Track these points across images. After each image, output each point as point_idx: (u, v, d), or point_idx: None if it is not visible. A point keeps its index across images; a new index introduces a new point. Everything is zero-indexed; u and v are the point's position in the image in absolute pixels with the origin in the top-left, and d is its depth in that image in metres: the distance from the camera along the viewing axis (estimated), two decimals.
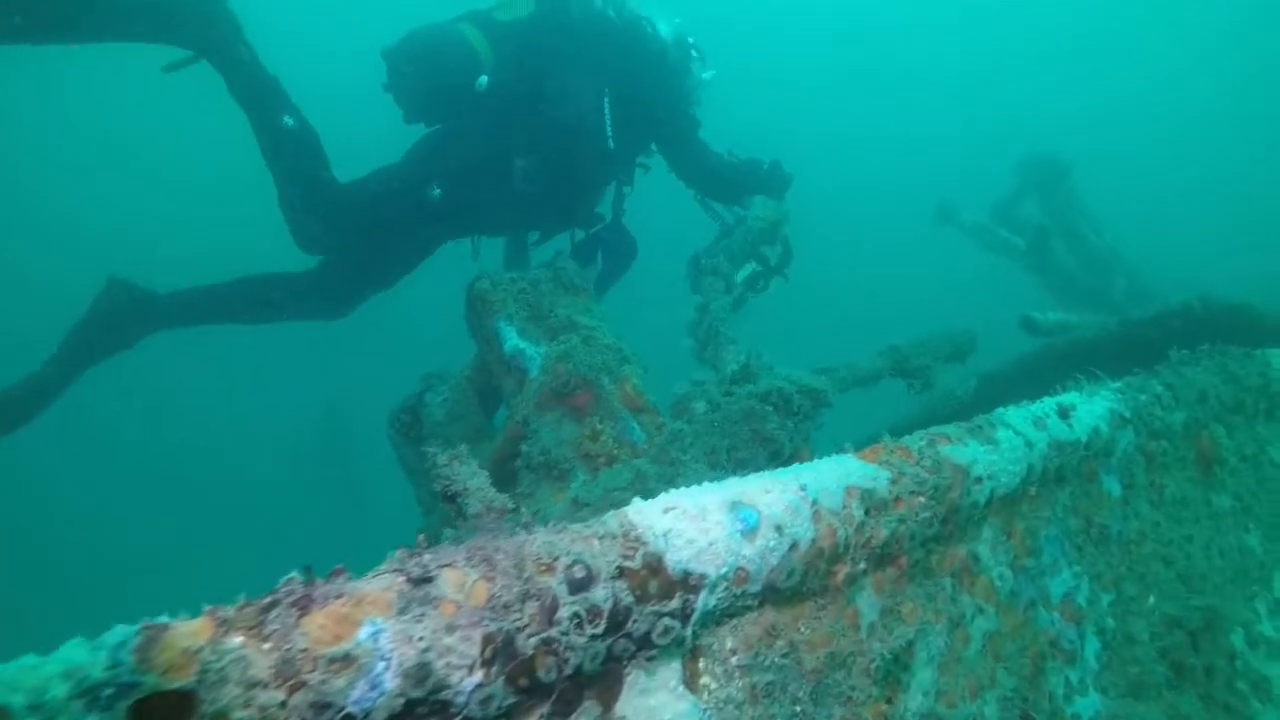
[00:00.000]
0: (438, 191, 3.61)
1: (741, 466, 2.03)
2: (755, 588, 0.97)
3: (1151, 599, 1.64)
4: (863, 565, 1.10)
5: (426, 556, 0.81)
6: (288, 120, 3.50)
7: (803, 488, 1.05)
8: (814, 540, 1.02)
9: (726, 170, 3.93)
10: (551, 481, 2.14)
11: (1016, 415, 1.44)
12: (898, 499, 1.14)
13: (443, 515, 2.57)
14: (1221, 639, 1.72)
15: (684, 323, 2.81)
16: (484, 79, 3.61)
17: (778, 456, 2.11)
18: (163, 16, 3.29)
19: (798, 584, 1.01)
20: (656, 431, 2.26)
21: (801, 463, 2.24)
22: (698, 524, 0.93)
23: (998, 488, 1.32)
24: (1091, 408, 1.59)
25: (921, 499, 1.17)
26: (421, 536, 0.89)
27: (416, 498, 2.92)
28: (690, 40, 4.16)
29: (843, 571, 1.07)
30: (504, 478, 2.29)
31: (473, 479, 1.29)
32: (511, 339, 2.50)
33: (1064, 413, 1.52)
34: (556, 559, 0.84)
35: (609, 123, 3.73)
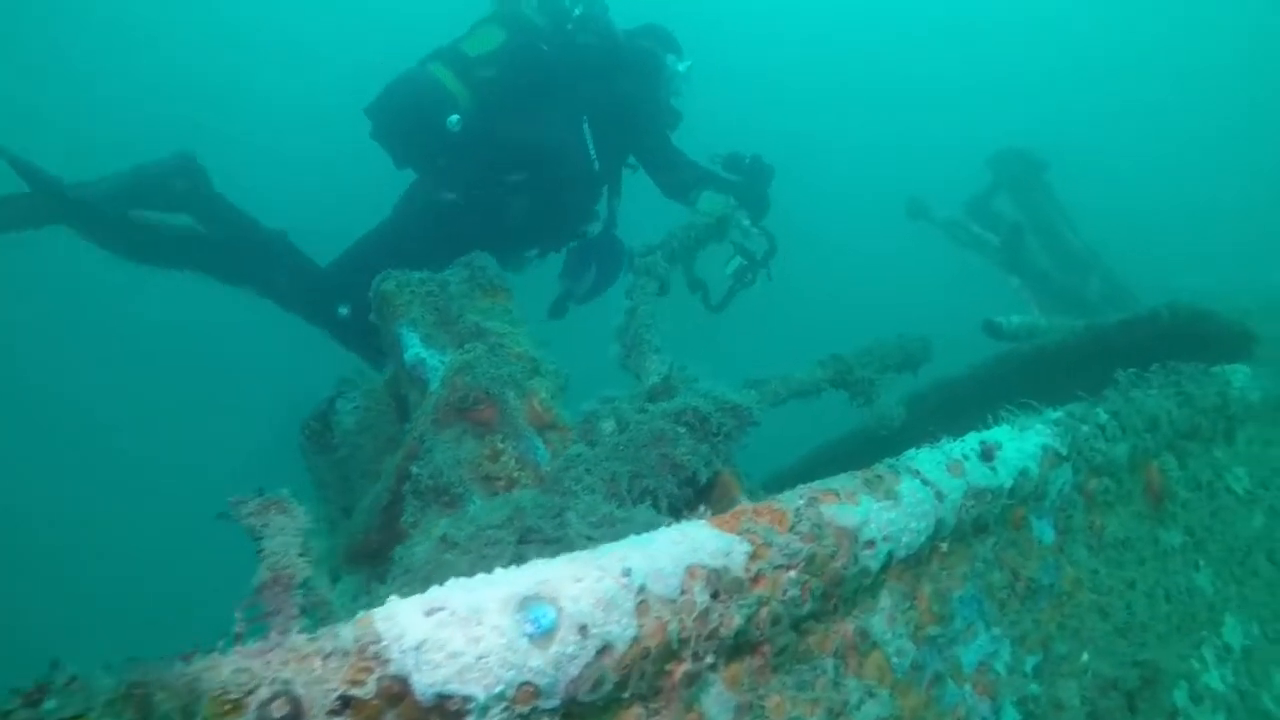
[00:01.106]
0: (432, 239, 3.70)
1: (647, 497, 1.84)
2: (550, 704, 0.77)
3: (1085, 657, 1.46)
4: (709, 659, 0.90)
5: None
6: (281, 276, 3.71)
7: (627, 572, 0.85)
8: (636, 639, 0.82)
9: (704, 175, 3.90)
10: (441, 508, 1.93)
11: (928, 459, 1.25)
12: (758, 577, 0.94)
13: (349, 535, 2.37)
14: (1162, 697, 1.55)
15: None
16: (454, 118, 3.63)
17: (692, 484, 1.91)
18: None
19: (613, 693, 0.82)
20: (562, 452, 2.06)
21: (729, 491, 2.06)
22: (468, 630, 0.73)
23: (897, 549, 1.12)
24: (1022, 445, 1.40)
25: (791, 573, 0.97)
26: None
27: (322, 514, 2.71)
28: (662, 33, 4.19)
29: (680, 670, 0.88)
30: (401, 500, 2.09)
31: (276, 536, 1.09)
32: (413, 346, 2.28)
33: (988, 453, 1.32)
34: (252, 692, 0.63)
35: (591, 145, 3.81)
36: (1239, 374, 2.23)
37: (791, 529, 1.00)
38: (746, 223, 3.97)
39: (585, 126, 3.82)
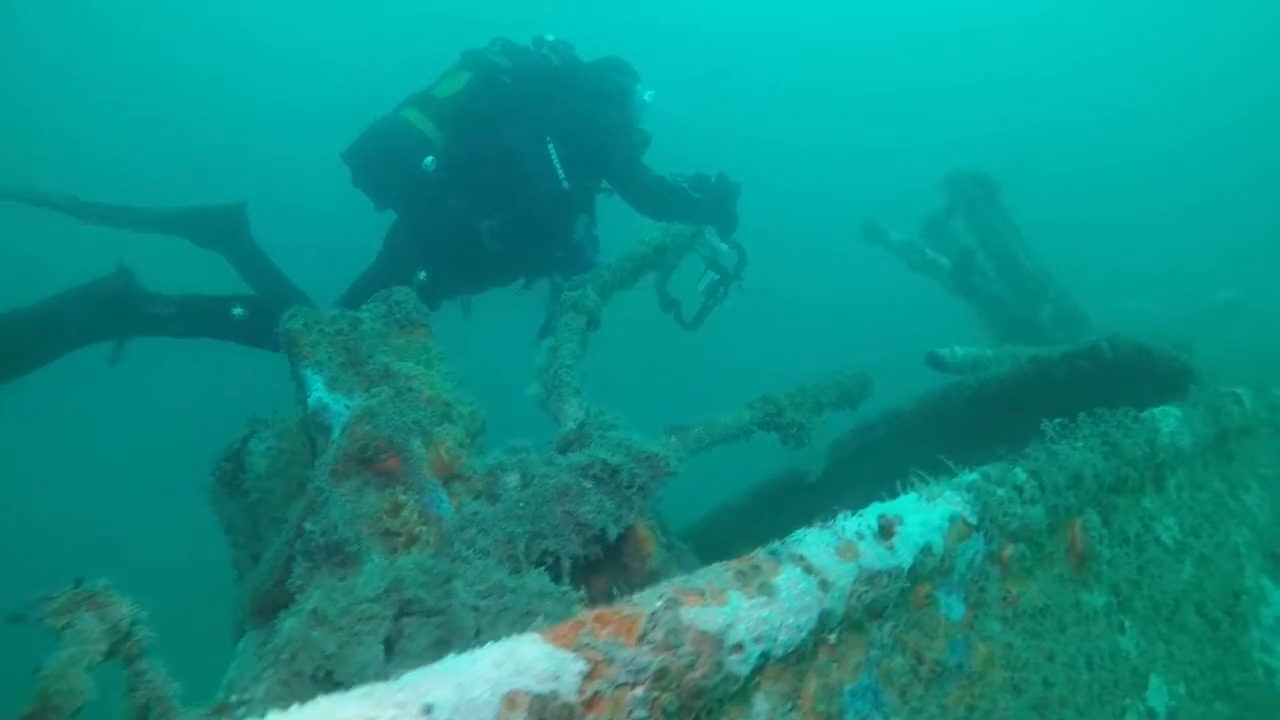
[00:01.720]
0: (424, 275, 3.85)
1: (549, 558, 1.73)
2: None
3: None
4: None
5: None
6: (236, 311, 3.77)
7: (428, 709, 0.74)
8: None
9: (676, 195, 4.06)
10: (333, 568, 1.81)
11: (817, 542, 1.16)
12: (594, 700, 0.84)
13: (253, 588, 2.22)
14: None
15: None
16: (429, 160, 3.84)
17: (601, 541, 1.81)
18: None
19: None
20: (474, 503, 1.95)
21: (643, 547, 1.96)
22: None
23: (773, 649, 1.03)
24: (927, 517, 1.32)
25: (637, 691, 0.87)
26: None
27: (232, 559, 2.56)
28: (625, 62, 4.43)
29: None
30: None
31: (68, 647, 0.96)
32: (316, 390, 2.16)
33: (886, 530, 1.24)
34: None
35: (558, 164, 3.97)
36: (1169, 418, 2.18)
37: (642, 639, 0.90)
38: (715, 240, 4.17)
39: (551, 147, 3.98)
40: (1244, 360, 3.78)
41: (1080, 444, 1.80)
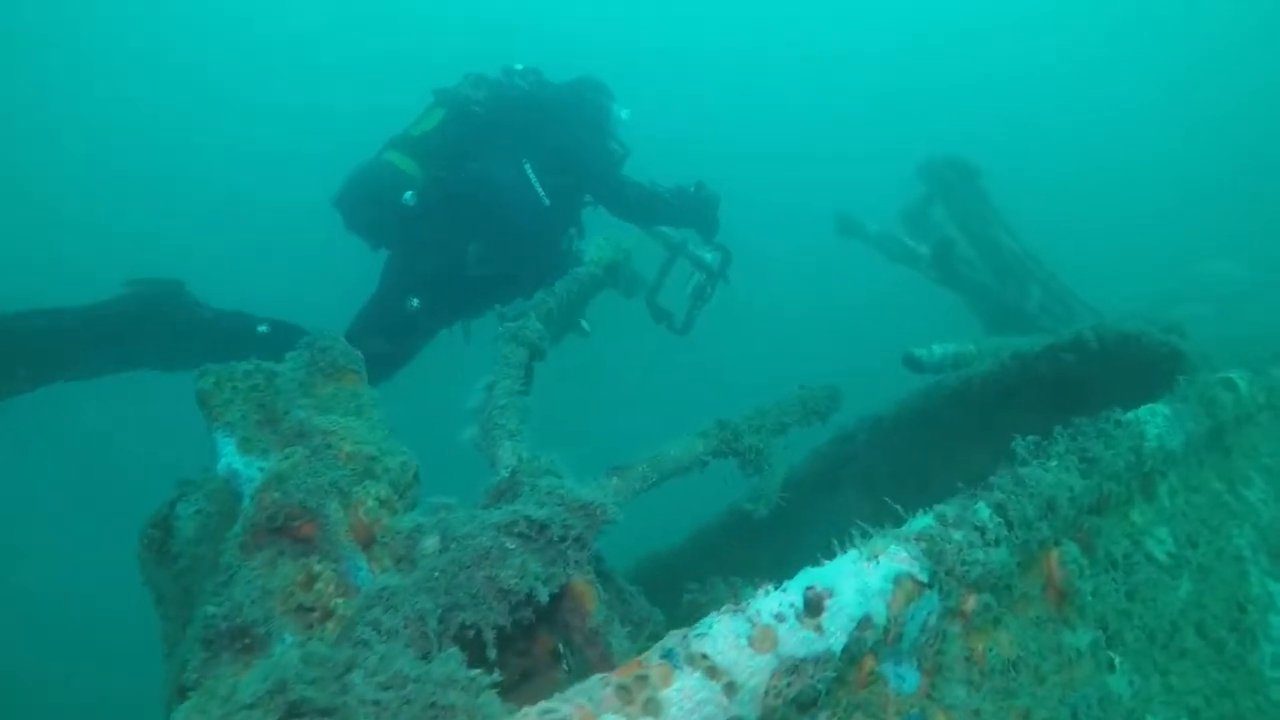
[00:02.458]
0: (416, 302, 4.00)
1: (468, 631, 1.56)
2: None
3: None
4: None
5: None
6: (261, 329, 3.91)
7: None
8: None
9: (656, 201, 4.25)
10: (237, 655, 1.64)
11: (725, 633, 0.98)
12: None
13: (183, 658, 2.06)
14: None
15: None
16: (409, 195, 3.97)
17: (530, 603, 1.64)
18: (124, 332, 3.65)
19: None
20: (394, 569, 1.78)
21: (582, 604, 1.79)
22: None
23: None
24: (865, 582, 1.14)
25: None
26: None
27: (161, 633, 2.40)
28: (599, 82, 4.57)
29: None
30: None
31: None
32: (227, 454, 1.99)
33: (814, 605, 1.06)
34: None
35: (536, 183, 4.09)
36: (1156, 418, 2.00)
37: None
38: (698, 243, 4.42)
39: (527, 167, 4.12)
40: (1247, 343, 3.61)
41: (1055, 463, 1.62)
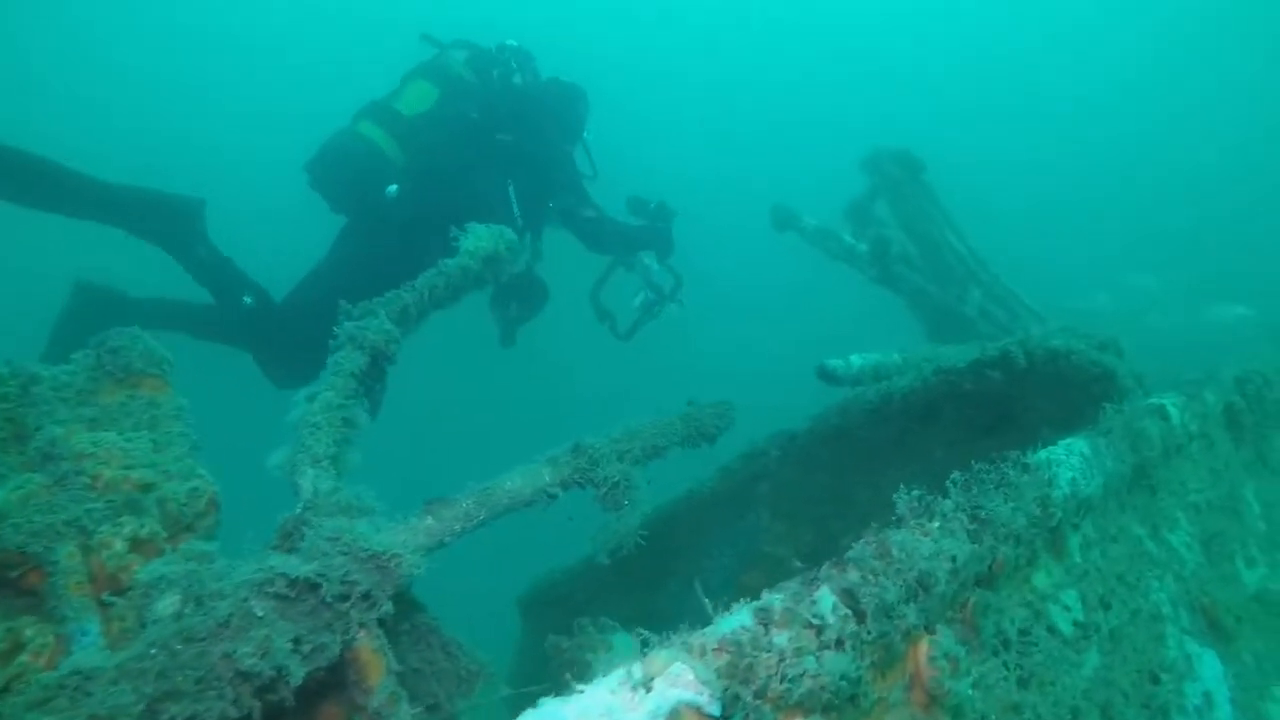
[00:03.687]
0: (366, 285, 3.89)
1: None
2: None
3: None
4: None
5: None
6: (247, 300, 3.79)
7: None
8: None
9: (624, 234, 4.39)
10: None
11: None
12: None
13: None
14: None
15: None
16: (393, 188, 3.85)
17: (284, 684, 1.30)
18: (129, 216, 3.58)
19: None
20: (137, 629, 1.43)
21: (366, 675, 1.45)
22: None
23: None
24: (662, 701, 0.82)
25: None
26: None
27: None
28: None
29: None
30: None
31: None
32: None
33: None
34: None
35: (515, 205, 4.13)
36: (1071, 459, 1.73)
37: None
38: (651, 262, 4.55)
39: (511, 190, 4.12)
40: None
41: (938, 524, 1.33)
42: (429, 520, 1.64)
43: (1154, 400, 2.36)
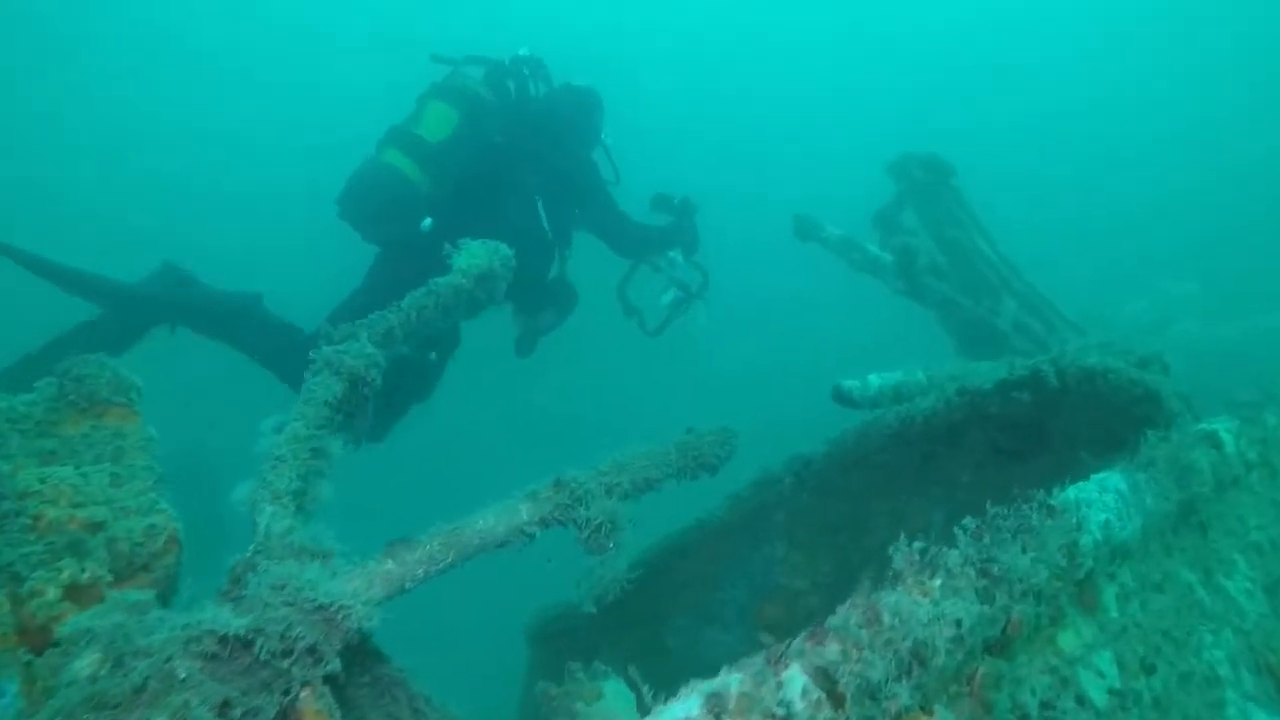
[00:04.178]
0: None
1: None
2: None
3: None
4: None
5: None
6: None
7: None
8: None
9: (644, 231, 4.44)
10: None
11: None
12: None
13: None
14: None
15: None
16: (428, 221, 3.89)
17: None
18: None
19: None
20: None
21: None
22: None
23: None
24: None
25: None
26: None
27: None
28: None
29: None
30: None
31: None
32: None
33: None
34: None
35: (544, 220, 4.17)
36: (1105, 498, 1.53)
37: None
38: (678, 258, 4.58)
39: (540, 208, 4.15)
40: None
41: (940, 582, 1.15)
42: (388, 564, 1.51)
43: (1205, 426, 2.13)
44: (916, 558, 1.18)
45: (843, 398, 2.62)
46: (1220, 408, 2.59)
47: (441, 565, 1.58)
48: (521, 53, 4.50)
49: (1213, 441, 2.03)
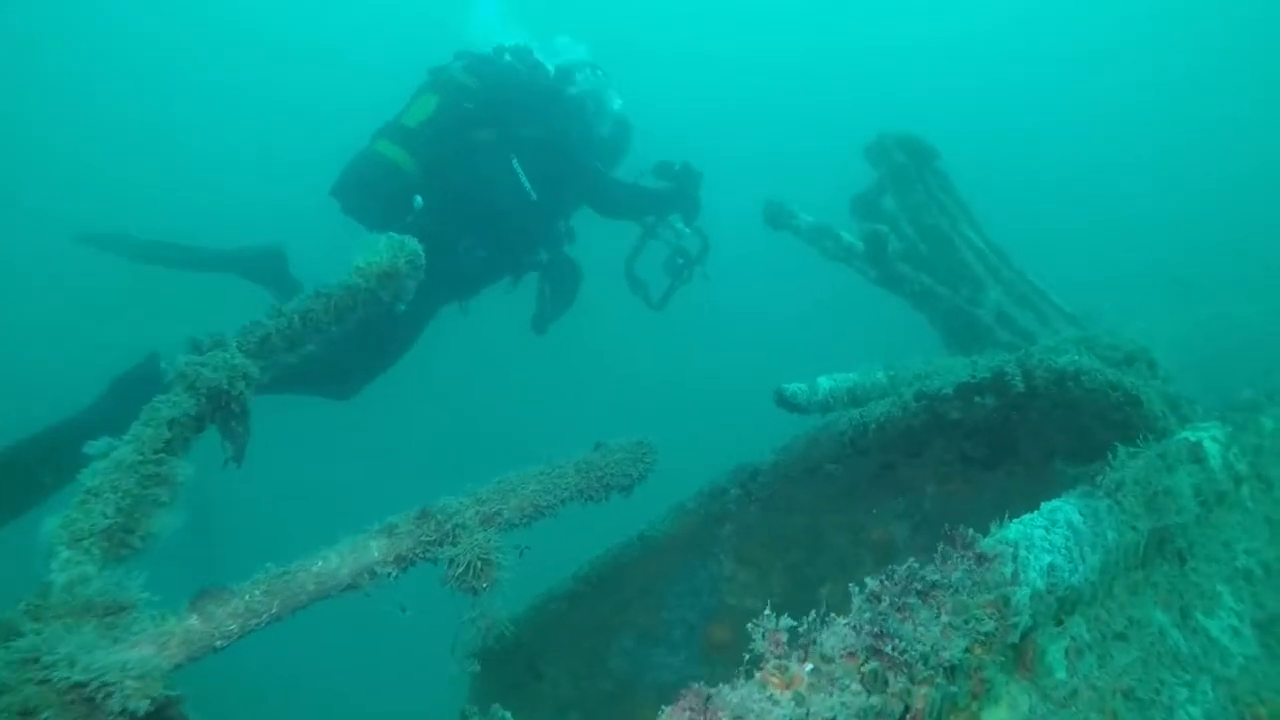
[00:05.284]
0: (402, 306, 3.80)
1: None
2: None
3: None
4: None
5: None
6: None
7: None
8: None
9: (638, 195, 4.47)
10: None
11: None
12: None
13: None
14: None
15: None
16: (419, 200, 4.04)
17: None
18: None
19: None
20: None
21: None
22: None
23: None
24: None
25: None
26: None
27: None
28: (592, 71, 4.62)
29: None
30: None
31: None
32: None
33: None
34: None
35: (524, 179, 4.20)
36: (1052, 534, 1.27)
37: None
38: (678, 224, 4.58)
39: (516, 164, 4.19)
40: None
41: (810, 669, 0.90)
42: (192, 621, 1.27)
43: (1187, 435, 1.86)
44: (782, 637, 0.92)
45: (786, 402, 2.34)
46: (1216, 409, 2.32)
47: (264, 618, 1.34)
48: (506, 44, 4.57)
49: (1195, 455, 1.76)
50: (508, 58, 4.49)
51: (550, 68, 4.64)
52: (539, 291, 4.65)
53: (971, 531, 1.20)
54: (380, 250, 2.27)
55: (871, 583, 1.04)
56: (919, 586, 1.05)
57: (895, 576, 1.06)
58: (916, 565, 1.08)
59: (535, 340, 4.97)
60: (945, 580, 1.08)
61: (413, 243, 2.33)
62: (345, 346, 4.29)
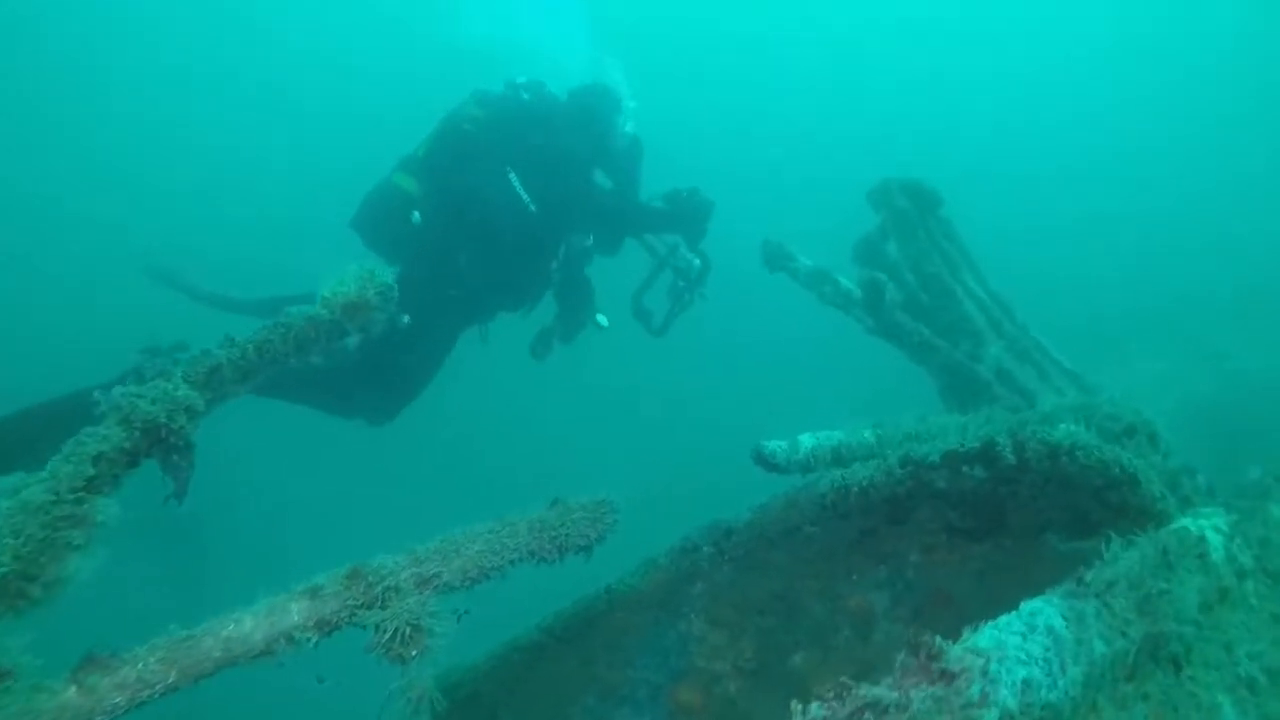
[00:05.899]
0: (407, 318, 3.93)
1: None
2: None
3: None
4: None
5: None
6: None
7: None
8: None
9: (640, 212, 4.49)
10: None
11: None
12: None
13: None
14: None
15: None
16: (416, 215, 4.15)
17: None
18: None
19: None
20: None
21: None
22: None
23: None
24: None
25: None
26: None
27: None
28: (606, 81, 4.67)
29: None
30: None
31: None
32: None
33: None
34: None
35: (522, 191, 4.19)
36: (1030, 643, 1.14)
37: None
38: (680, 247, 4.55)
39: (512, 177, 4.20)
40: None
41: None
42: (70, 694, 1.15)
43: (1187, 523, 1.73)
44: None
45: (764, 461, 2.23)
46: (1226, 495, 2.19)
47: (159, 689, 1.21)
48: (520, 80, 4.67)
49: (1198, 551, 1.63)
50: (524, 95, 4.60)
51: (562, 96, 4.68)
52: (514, 308, 4.66)
53: (939, 640, 1.08)
54: (348, 280, 2.18)
55: (816, 710, 0.92)
56: (871, 716, 0.92)
57: (846, 697, 0.94)
58: (868, 687, 0.95)
59: (538, 366, 4.91)
60: (903, 703, 0.96)
61: (385, 273, 2.24)
62: (358, 370, 4.28)
